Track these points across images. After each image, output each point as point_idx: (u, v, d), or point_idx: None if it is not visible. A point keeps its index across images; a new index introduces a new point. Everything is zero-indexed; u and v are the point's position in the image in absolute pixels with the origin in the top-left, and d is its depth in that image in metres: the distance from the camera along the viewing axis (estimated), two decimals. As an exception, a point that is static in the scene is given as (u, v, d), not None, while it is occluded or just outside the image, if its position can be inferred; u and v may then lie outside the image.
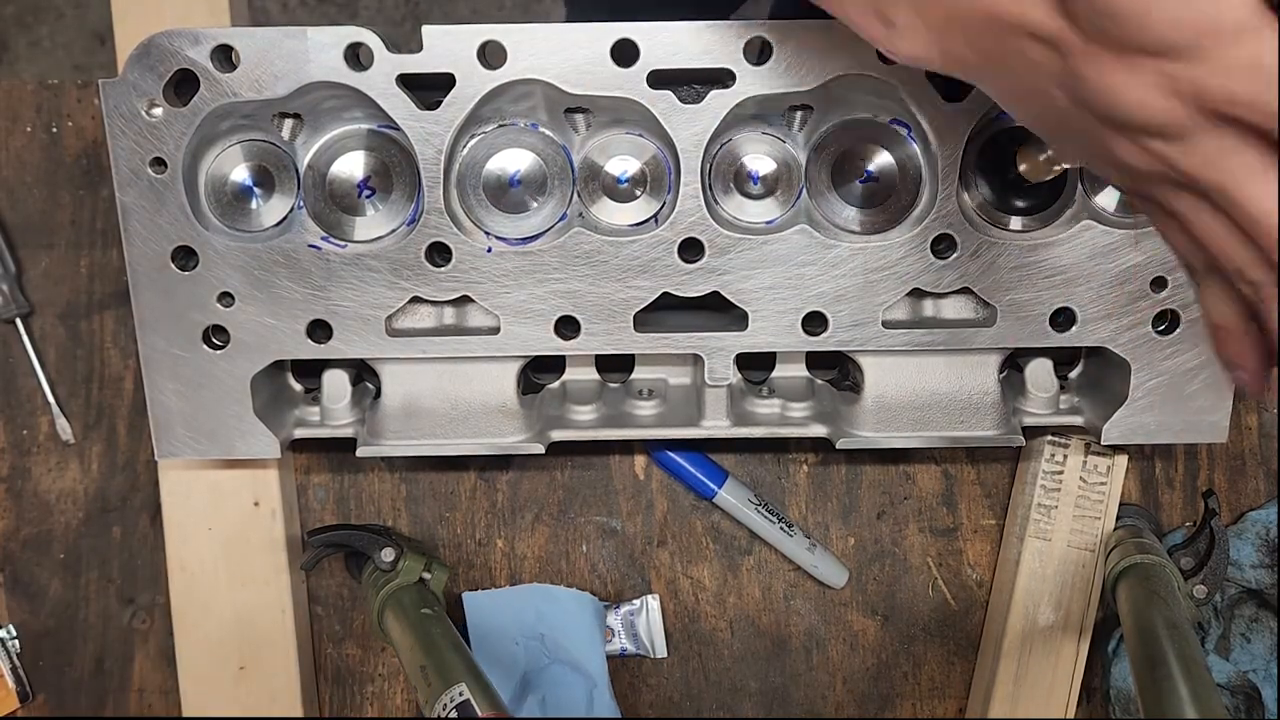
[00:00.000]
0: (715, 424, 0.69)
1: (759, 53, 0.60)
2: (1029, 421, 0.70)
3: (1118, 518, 0.74)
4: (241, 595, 0.75)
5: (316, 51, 0.60)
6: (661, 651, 0.78)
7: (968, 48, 0.41)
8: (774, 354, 0.73)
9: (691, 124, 0.62)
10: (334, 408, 0.70)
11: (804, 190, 0.65)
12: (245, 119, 0.63)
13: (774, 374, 0.73)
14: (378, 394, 0.70)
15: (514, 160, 0.64)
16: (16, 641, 0.78)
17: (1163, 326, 0.66)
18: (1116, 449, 0.74)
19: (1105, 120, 0.38)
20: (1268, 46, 0.33)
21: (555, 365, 0.73)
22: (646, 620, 0.78)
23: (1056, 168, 0.59)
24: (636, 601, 0.78)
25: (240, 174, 0.65)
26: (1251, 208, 0.35)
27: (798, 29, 0.60)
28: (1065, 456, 0.74)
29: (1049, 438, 0.74)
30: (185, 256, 0.64)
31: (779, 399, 0.70)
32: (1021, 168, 0.61)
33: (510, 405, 0.69)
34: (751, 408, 0.70)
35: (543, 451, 0.68)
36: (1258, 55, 0.33)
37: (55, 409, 0.77)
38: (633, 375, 0.73)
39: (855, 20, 0.44)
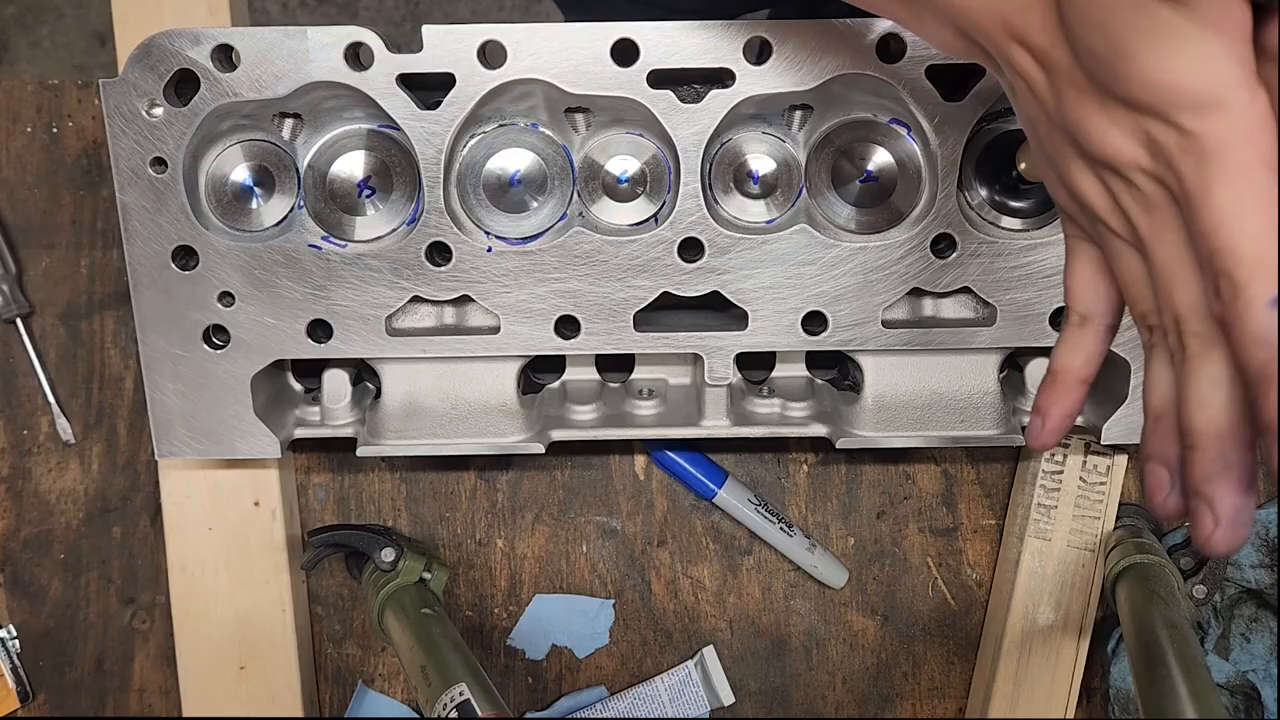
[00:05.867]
0: (715, 424, 0.69)
1: (759, 52, 0.60)
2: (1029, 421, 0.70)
3: (1117, 518, 0.75)
4: (241, 595, 0.75)
5: (317, 51, 0.60)
6: (729, 698, 0.78)
7: (969, 42, 0.41)
8: (774, 354, 0.73)
9: (691, 124, 0.62)
10: (334, 407, 0.70)
11: (804, 190, 0.65)
12: (245, 119, 0.63)
13: (774, 374, 0.73)
14: (378, 394, 0.70)
15: (514, 160, 0.65)
16: (16, 641, 0.78)
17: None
18: (1116, 449, 0.74)
19: (1073, 143, 0.38)
20: (1236, 123, 0.32)
21: (555, 365, 0.73)
22: (708, 672, 0.78)
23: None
24: (694, 658, 0.78)
25: (240, 174, 0.65)
26: (1210, 223, 0.34)
27: (797, 29, 0.60)
28: (1065, 456, 0.74)
29: (1049, 438, 0.74)
30: (185, 256, 0.64)
31: (779, 399, 0.70)
32: (1021, 167, 0.61)
33: (510, 405, 0.69)
34: (751, 407, 0.70)
35: (543, 451, 0.68)
36: (1222, 133, 0.33)
37: (55, 409, 0.77)
38: (633, 375, 0.73)
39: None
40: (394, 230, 0.65)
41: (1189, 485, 0.36)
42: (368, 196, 0.65)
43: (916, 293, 0.65)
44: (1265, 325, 0.32)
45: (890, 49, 0.60)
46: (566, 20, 1.14)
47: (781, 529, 0.77)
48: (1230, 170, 0.33)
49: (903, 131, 0.64)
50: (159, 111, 0.61)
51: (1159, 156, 0.34)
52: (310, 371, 0.72)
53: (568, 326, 0.66)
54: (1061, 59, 0.37)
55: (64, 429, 0.77)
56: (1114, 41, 0.34)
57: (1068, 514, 0.74)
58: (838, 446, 0.68)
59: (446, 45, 0.60)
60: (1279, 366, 0.32)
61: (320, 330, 0.66)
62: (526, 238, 0.65)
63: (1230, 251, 0.33)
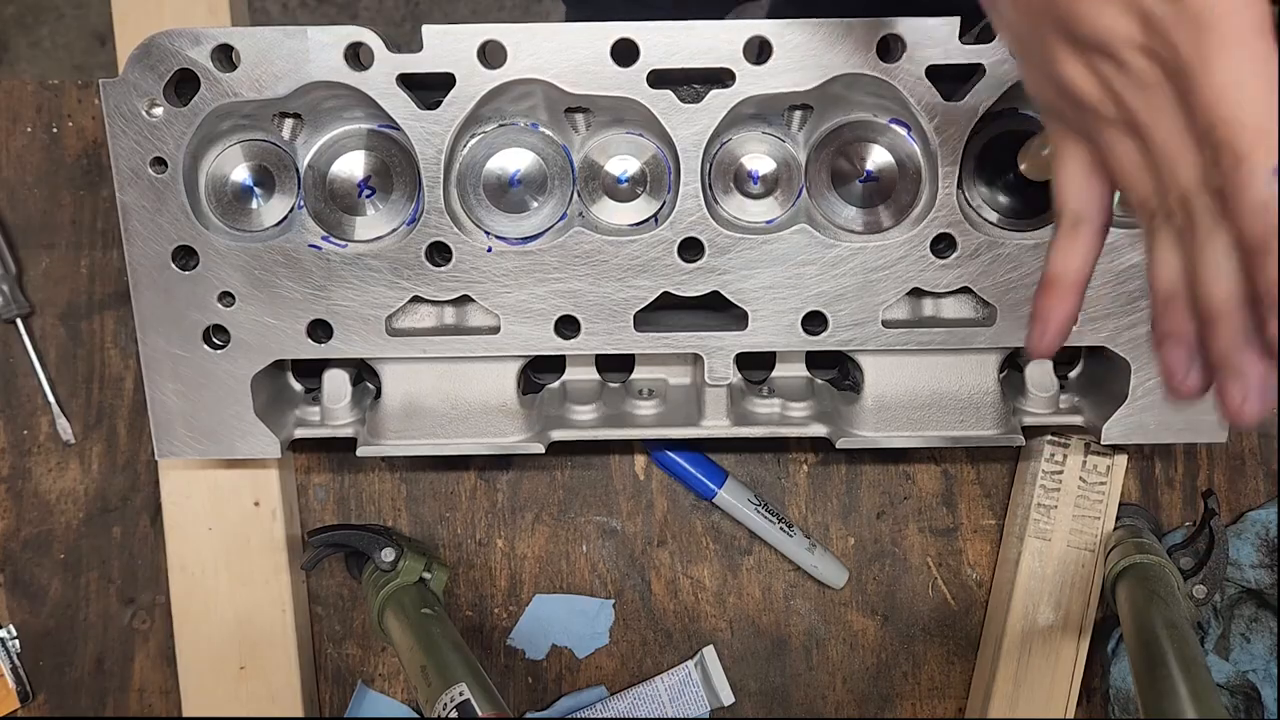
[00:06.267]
0: (715, 424, 0.69)
1: (759, 52, 0.60)
2: (1029, 421, 0.70)
3: (1117, 518, 0.74)
4: (241, 595, 0.75)
5: (317, 51, 0.60)
6: (729, 698, 0.78)
7: None
8: (774, 354, 0.73)
9: (691, 124, 0.62)
10: (334, 407, 0.70)
11: (804, 190, 0.65)
12: (246, 119, 0.63)
13: (774, 374, 0.73)
14: (378, 394, 0.70)
15: (514, 160, 0.64)
16: (16, 641, 0.78)
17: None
18: (1116, 449, 0.74)
19: (1061, 31, 0.37)
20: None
21: (555, 365, 0.73)
22: (708, 672, 0.78)
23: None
24: (694, 658, 0.78)
25: (241, 174, 0.65)
26: (1209, 94, 0.34)
27: (798, 29, 0.60)
28: (1065, 456, 0.74)
29: (1049, 437, 0.74)
30: (185, 256, 0.64)
31: (779, 399, 0.70)
32: (1022, 167, 0.61)
33: (510, 405, 0.69)
34: (751, 407, 0.70)
35: (543, 451, 0.68)
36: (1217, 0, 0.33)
37: (55, 409, 0.77)
38: (633, 375, 0.73)
39: None
40: (394, 230, 0.65)
41: (1213, 359, 0.36)
42: (368, 196, 0.65)
43: (916, 293, 0.65)
44: (1265, 195, 0.32)
45: (890, 49, 0.60)
46: (568, 19, 1.14)
47: (781, 529, 0.77)
48: (1228, 38, 0.33)
49: (903, 131, 0.64)
50: (159, 111, 0.61)
51: (1153, 30, 0.34)
52: (310, 371, 0.72)
53: (568, 326, 0.66)
54: None
55: (64, 429, 0.77)
56: None
57: (1068, 514, 0.74)
58: (838, 446, 0.68)
59: (446, 45, 0.60)
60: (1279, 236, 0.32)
61: (320, 330, 0.66)
62: (526, 238, 0.65)
63: (1230, 121, 0.33)
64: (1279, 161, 0.32)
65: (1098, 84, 0.37)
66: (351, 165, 0.65)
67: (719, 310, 0.67)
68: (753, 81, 0.61)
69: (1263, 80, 0.32)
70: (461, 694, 0.60)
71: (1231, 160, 0.33)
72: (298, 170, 0.65)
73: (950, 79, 0.61)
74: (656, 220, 0.66)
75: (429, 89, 0.61)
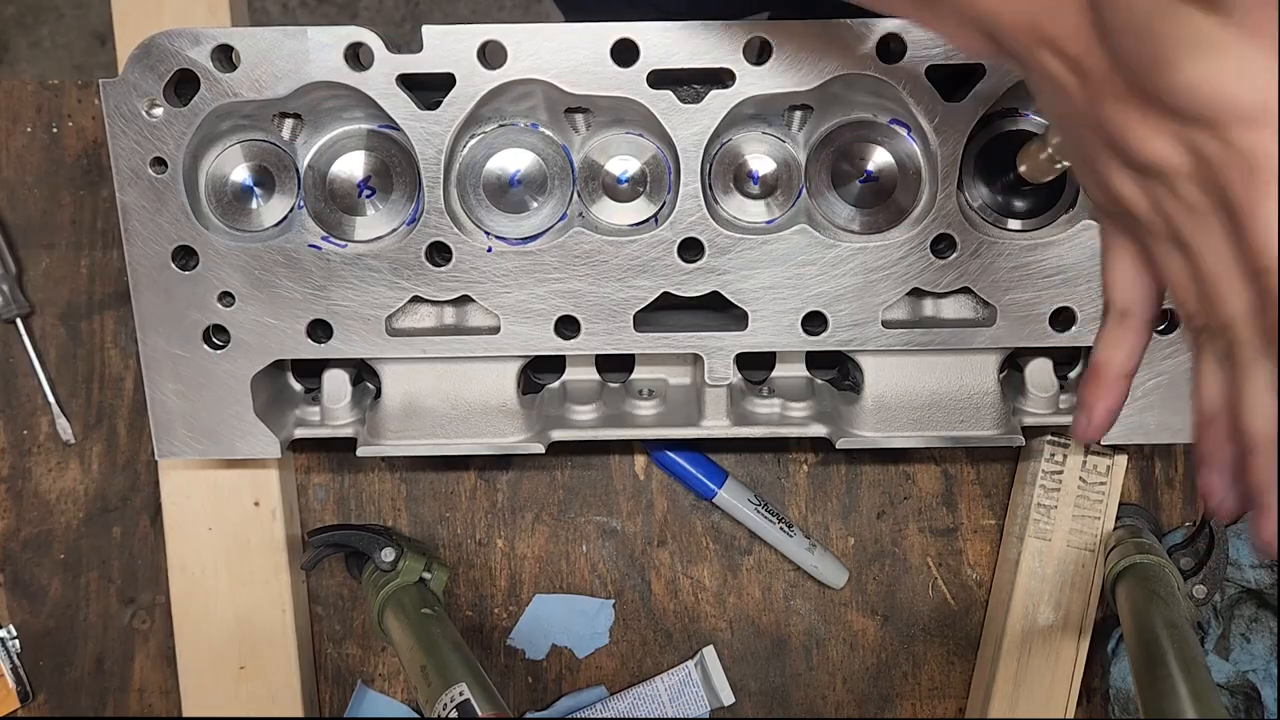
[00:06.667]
0: (715, 424, 0.69)
1: (759, 53, 0.60)
2: (1029, 421, 0.70)
3: (1117, 518, 0.74)
4: (241, 595, 0.75)
5: (317, 51, 0.60)
6: (729, 698, 0.78)
7: (997, 44, 0.40)
8: (774, 354, 0.73)
9: (691, 124, 0.62)
10: (334, 408, 0.70)
11: (804, 190, 0.65)
12: (245, 119, 0.63)
13: (774, 374, 0.73)
14: (378, 394, 0.70)
15: (514, 160, 0.65)
16: (16, 641, 0.78)
17: (1162, 326, 0.66)
18: (1116, 449, 0.74)
19: (1111, 147, 0.37)
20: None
21: (555, 365, 0.73)
22: (709, 673, 0.78)
23: (1057, 166, 0.59)
24: (694, 658, 0.78)
25: (240, 174, 0.65)
26: (1259, 238, 0.34)
27: (798, 29, 0.60)
28: (1065, 456, 0.74)
29: (1049, 437, 0.74)
30: (185, 256, 0.64)
31: (779, 399, 0.70)
32: (1021, 168, 0.61)
33: (510, 405, 0.69)
34: (751, 408, 0.70)
35: (543, 451, 0.68)
36: (1268, 145, 0.32)
37: (55, 409, 0.77)
38: (633, 375, 0.73)
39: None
40: (394, 230, 0.65)
41: (1249, 488, 0.36)
42: (368, 196, 0.65)
43: (916, 293, 0.65)
44: None
45: (890, 49, 0.60)
46: (567, 21, 1.14)
47: (781, 529, 0.77)
48: (1278, 183, 0.32)
49: (903, 131, 0.64)
50: (159, 111, 0.61)
51: (1204, 166, 0.34)
52: (310, 371, 0.72)
53: (568, 326, 0.66)
54: (1097, 65, 0.36)
55: (64, 429, 0.77)
56: (1155, 50, 0.33)
57: (1068, 514, 0.74)
58: (838, 446, 0.68)
59: (446, 45, 0.60)
60: None
61: (320, 330, 0.66)
62: (526, 238, 0.65)
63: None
64: None
65: (1149, 202, 0.37)
66: (351, 165, 0.65)
67: (719, 310, 0.67)
68: (753, 81, 0.61)
69: None
70: (461, 694, 0.60)
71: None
72: (298, 170, 0.65)
73: (950, 79, 0.61)
74: (656, 220, 0.66)
75: (429, 89, 0.61)
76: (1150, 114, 0.35)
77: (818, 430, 0.69)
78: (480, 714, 0.59)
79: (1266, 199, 0.33)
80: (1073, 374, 0.73)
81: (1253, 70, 0.32)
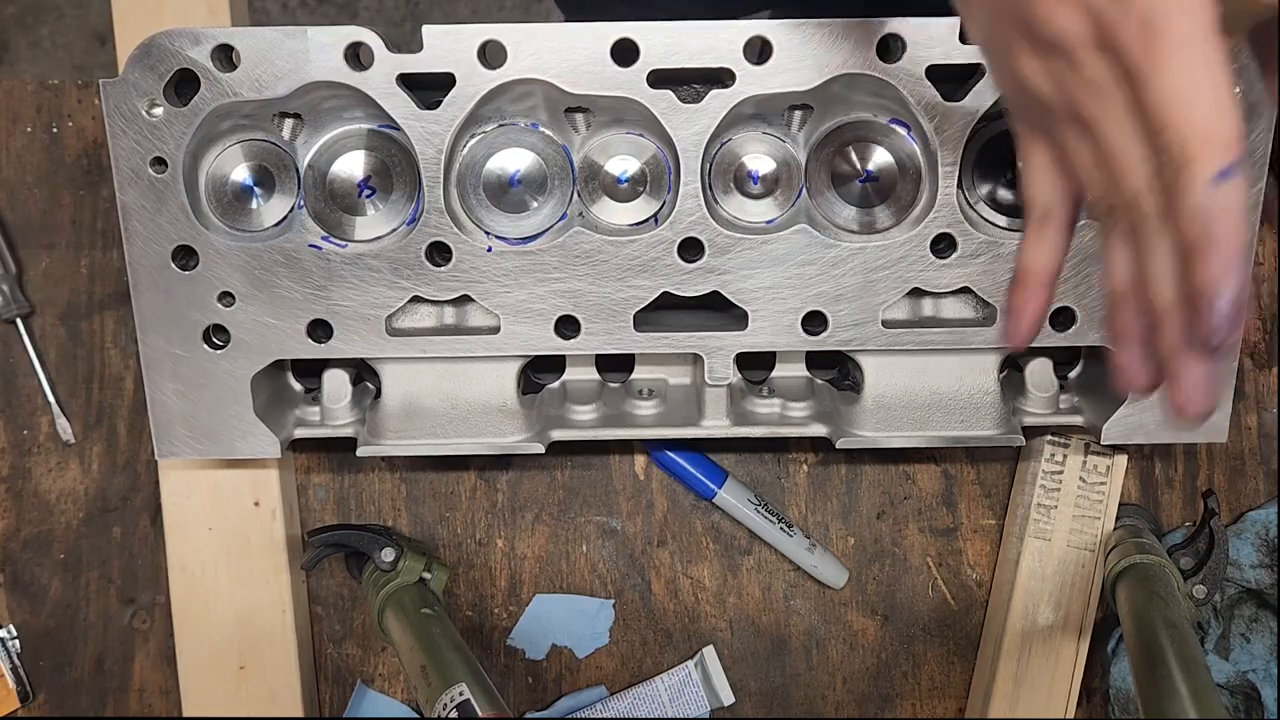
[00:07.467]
0: (715, 424, 0.69)
1: (759, 52, 0.61)
2: (1029, 421, 0.70)
3: (1117, 518, 0.75)
4: (241, 595, 0.75)
5: (317, 51, 0.60)
6: (729, 698, 0.78)
7: None
8: (774, 354, 0.73)
9: (691, 124, 0.62)
10: (334, 407, 0.70)
11: (804, 190, 0.65)
12: (246, 119, 0.63)
13: (774, 374, 0.73)
14: (378, 394, 0.70)
15: (514, 160, 0.65)
16: (16, 641, 0.78)
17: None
18: (1116, 449, 0.74)
19: (1021, 29, 0.38)
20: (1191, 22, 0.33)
21: (555, 365, 0.73)
22: (709, 673, 0.78)
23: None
24: (694, 658, 0.78)
25: (241, 174, 0.65)
26: (1159, 97, 0.34)
27: (798, 29, 0.60)
28: (1065, 456, 0.74)
29: (1049, 437, 0.74)
30: (185, 256, 0.64)
31: (779, 399, 0.70)
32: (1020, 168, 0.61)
33: (510, 405, 0.69)
34: (751, 407, 0.70)
35: (543, 451, 0.68)
36: (1165, 2, 0.33)
37: (55, 409, 0.77)
38: (633, 375, 0.73)
39: None
40: (394, 230, 0.65)
41: (1160, 356, 0.37)
42: (368, 196, 0.65)
43: (916, 293, 0.65)
44: (1204, 199, 0.32)
45: (890, 49, 0.60)
46: (567, 21, 1.14)
47: (781, 529, 0.77)
48: (1176, 41, 0.33)
49: (903, 131, 0.64)
50: (159, 111, 0.61)
51: (1104, 30, 0.34)
52: (310, 371, 0.72)
53: (568, 326, 0.66)
54: None
55: (64, 429, 0.77)
56: None
57: (1068, 514, 0.74)
58: (838, 446, 0.68)
59: (446, 45, 0.60)
60: (1213, 239, 0.32)
61: (320, 330, 0.66)
62: (526, 238, 0.65)
63: (1178, 124, 0.33)
64: (1223, 165, 0.32)
65: (1053, 83, 0.38)
66: (351, 165, 0.65)
67: (719, 310, 0.67)
68: (753, 81, 0.61)
69: (1210, 84, 0.33)
70: (461, 694, 0.60)
71: (1177, 163, 0.33)
72: (298, 170, 0.65)
73: (950, 79, 0.61)
74: (656, 220, 0.66)
75: (429, 89, 0.61)
76: None
77: (818, 430, 0.69)
78: (480, 714, 0.59)
79: (1164, 57, 0.33)
80: (1073, 374, 0.73)
81: None
